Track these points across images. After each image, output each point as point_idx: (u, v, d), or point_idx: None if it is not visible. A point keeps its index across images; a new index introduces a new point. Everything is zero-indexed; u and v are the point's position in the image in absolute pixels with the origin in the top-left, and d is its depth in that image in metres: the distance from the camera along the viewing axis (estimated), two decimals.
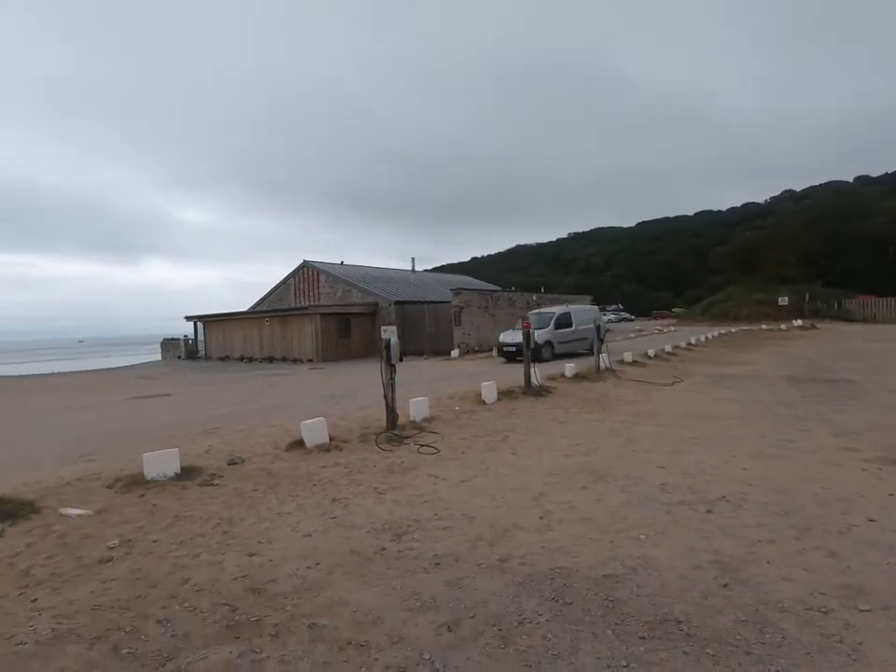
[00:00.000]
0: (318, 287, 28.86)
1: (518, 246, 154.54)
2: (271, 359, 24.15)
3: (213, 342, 28.43)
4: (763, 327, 29.58)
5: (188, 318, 29.64)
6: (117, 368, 28.05)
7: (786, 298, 36.51)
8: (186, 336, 31.34)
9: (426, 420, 7.50)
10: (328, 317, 23.16)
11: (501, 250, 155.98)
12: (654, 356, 15.37)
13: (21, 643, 2.57)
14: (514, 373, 10.77)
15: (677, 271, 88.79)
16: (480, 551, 3.48)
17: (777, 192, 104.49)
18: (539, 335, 15.88)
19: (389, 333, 6.88)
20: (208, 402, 11.18)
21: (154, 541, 3.74)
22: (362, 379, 14.55)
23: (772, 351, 18.33)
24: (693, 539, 3.51)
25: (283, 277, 30.89)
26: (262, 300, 32.02)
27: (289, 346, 23.70)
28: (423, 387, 10.92)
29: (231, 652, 2.46)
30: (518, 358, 14.96)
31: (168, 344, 32.34)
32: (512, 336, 16.60)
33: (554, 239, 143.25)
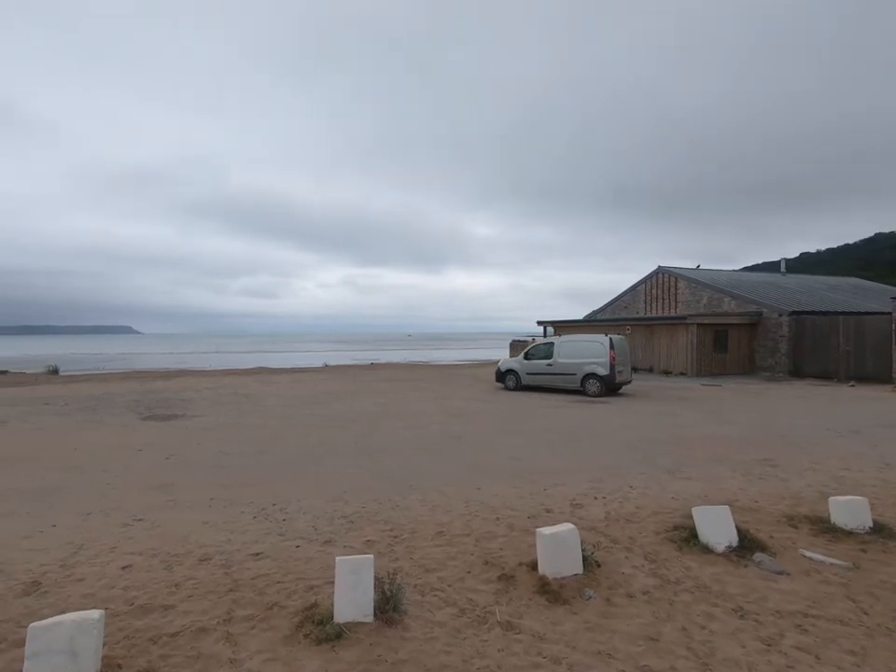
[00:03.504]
0: (676, 294, 27.00)
1: (878, 235, 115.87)
2: (634, 369, 23.69)
3: None
4: None
5: (539, 323, 32.12)
6: (482, 361, 32.66)
7: None
8: (533, 338, 34.23)
9: None
10: (703, 328, 21.19)
11: (850, 241, 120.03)
12: None
13: None
14: None
15: None
16: None
17: None
18: (505, 363, 17.20)
19: None
20: (707, 418, 10.99)
21: None
22: (815, 404, 12.28)
23: None
24: None
25: (632, 284, 30.25)
26: (605, 307, 32.17)
27: (657, 356, 22.73)
28: None
29: None
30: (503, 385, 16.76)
31: (517, 345, 35.99)
32: (505, 363, 17.34)
33: None
